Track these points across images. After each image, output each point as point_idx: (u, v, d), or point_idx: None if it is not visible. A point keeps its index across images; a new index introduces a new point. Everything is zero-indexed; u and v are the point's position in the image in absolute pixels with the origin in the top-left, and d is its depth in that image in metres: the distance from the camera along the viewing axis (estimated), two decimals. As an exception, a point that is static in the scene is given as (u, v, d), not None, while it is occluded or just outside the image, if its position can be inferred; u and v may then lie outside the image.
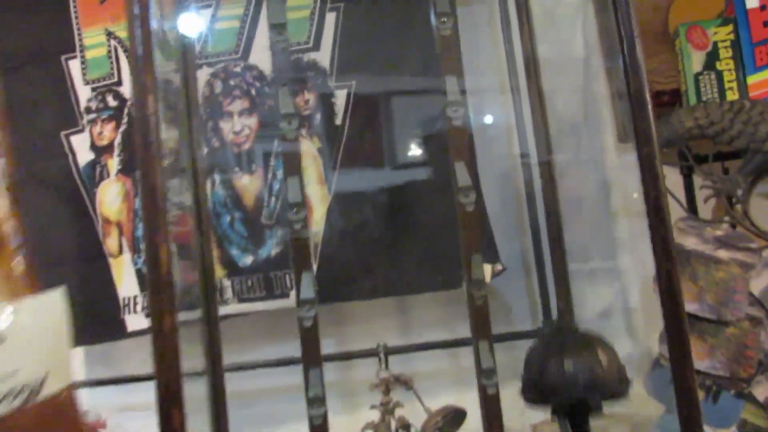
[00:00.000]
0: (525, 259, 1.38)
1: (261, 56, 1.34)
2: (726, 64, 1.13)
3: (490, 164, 1.35)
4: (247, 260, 1.32)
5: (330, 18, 1.33)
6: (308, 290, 0.85)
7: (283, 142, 0.89)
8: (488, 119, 1.44)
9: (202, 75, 1.34)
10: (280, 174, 1.32)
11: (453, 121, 0.82)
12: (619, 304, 1.40)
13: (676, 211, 1.24)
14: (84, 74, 1.37)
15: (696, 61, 1.15)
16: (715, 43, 1.14)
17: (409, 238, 1.31)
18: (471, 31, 1.41)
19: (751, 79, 1.12)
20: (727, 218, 1.15)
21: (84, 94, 1.36)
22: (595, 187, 1.41)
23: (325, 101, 1.32)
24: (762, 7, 1.11)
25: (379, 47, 1.32)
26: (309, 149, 1.32)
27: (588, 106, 1.41)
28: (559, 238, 1.26)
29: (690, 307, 1.07)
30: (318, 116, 1.32)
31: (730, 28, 1.14)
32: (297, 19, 1.33)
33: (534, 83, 1.30)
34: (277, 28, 0.89)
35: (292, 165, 0.89)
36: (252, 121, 1.33)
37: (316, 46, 1.33)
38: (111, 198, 1.35)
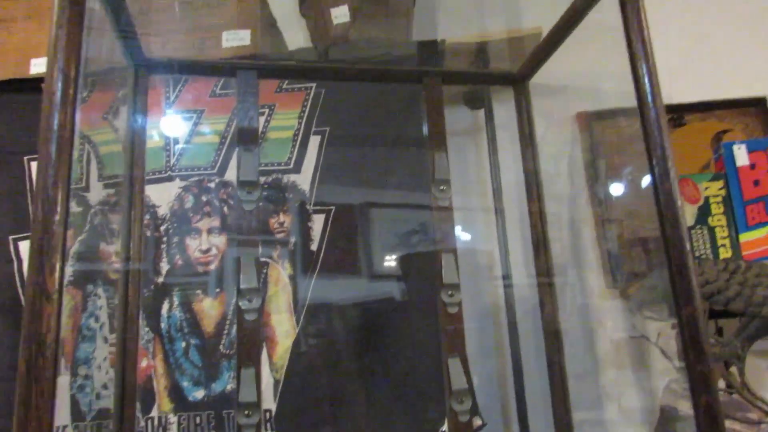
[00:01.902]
0: (505, 411, 1.27)
1: (238, 174, 1.28)
2: (718, 219, 1.10)
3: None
4: (198, 394, 1.18)
5: (314, 141, 1.29)
6: (251, 391, 0.77)
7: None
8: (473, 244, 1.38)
9: (173, 187, 1.27)
10: (245, 298, 1.22)
11: (448, 308, 0.78)
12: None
13: (666, 368, 1.17)
14: (46, 178, 1.28)
15: (688, 214, 1.12)
16: (707, 198, 1.12)
17: (381, 382, 1.20)
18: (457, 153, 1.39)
19: (744, 237, 1.09)
20: (722, 383, 1.07)
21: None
22: (581, 331, 1.34)
23: (302, 225, 1.25)
24: (752, 166, 1.10)
25: (362, 175, 1.28)
26: (280, 276, 1.23)
27: (575, 248, 1.36)
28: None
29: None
30: (292, 240, 1.25)
31: (722, 183, 1.13)
32: (280, 139, 1.29)
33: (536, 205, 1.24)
34: (246, 185, 0.82)
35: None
36: (221, 241, 1.25)
37: (297, 169, 1.27)
38: (55, 313, 1.22)
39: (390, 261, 1.27)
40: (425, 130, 1.00)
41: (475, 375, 1.19)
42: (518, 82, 1.14)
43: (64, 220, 0.50)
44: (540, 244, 1.07)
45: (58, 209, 0.49)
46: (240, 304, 0.83)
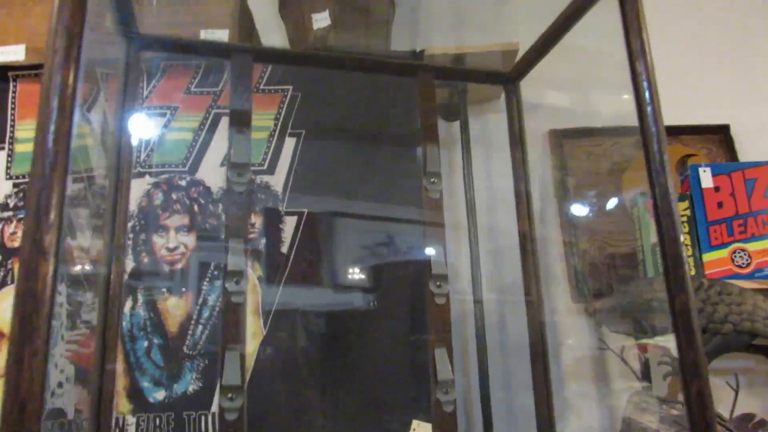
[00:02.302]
0: (469, 419, 1.27)
1: (210, 173, 1.26)
2: (683, 239, 1.13)
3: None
4: (159, 395, 1.15)
5: (289, 143, 1.28)
6: (234, 374, 0.78)
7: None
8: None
9: (142, 184, 1.24)
10: (212, 300, 1.20)
11: (436, 298, 0.80)
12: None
13: (629, 381, 1.19)
14: (8, 168, 1.24)
15: (654, 232, 1.15)
16: (673, 217, 1.15)
17: (347, 390, 1.19)
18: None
19: (707, 257, 1.12)
20: (681, 398, 1.10)
21: (3, 188, 1.23)
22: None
23: (273, 227, 1.23)
24: (716, 188, 1.13)
25: (337, 179, 1.27)
26: (249, 277, 1.21)
27: (544, 263, 1.38)
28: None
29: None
30: (263, 242, 1.23)
31: (687, 204, 1.16)
32: (255, 140, 1.27)
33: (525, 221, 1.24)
34: (238, 168, 0.84)
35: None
36: (189, 240, 1.22)
37: (271, 170, 1.26)
38: (10, 307, 1.17)
39: (360, 268, 1.27)
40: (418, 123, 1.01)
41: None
42: (510, 81, 1.16)
43: (63, 175, 0.49)
44: (528, 253, 1.08)
45: (58, 164, 0.49)
46: (226, 285, 0.83)
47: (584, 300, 1.27)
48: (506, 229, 1.33)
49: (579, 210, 1.37)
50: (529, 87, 1.40)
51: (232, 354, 0.78)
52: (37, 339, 0.47)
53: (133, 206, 1.23)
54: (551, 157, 1.45)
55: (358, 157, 1.29)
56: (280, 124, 1.29)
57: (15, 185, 1.23)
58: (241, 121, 0.91)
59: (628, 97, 0.77)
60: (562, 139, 1.41)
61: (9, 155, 1.25)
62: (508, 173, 1.37)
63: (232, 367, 0.76)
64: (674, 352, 1.12)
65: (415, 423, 1.17)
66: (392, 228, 1.28)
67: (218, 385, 0.79)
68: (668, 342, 1.16)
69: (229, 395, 0.77)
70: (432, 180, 0.91)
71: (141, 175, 1.25)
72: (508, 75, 1.16)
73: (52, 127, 0.47)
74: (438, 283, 0.92)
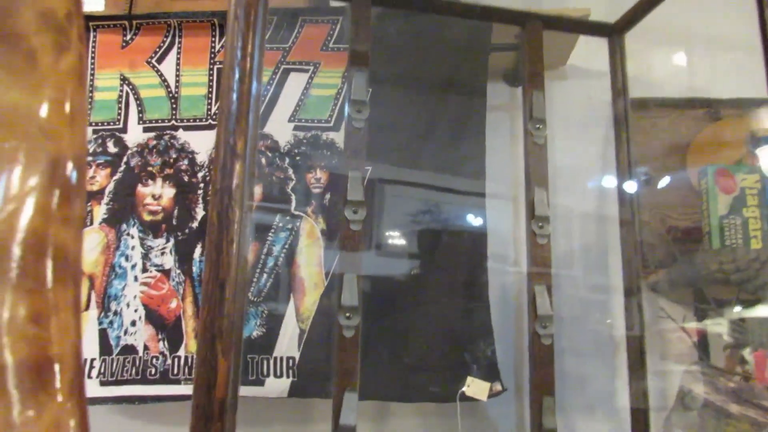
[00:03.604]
0: (518, 380, 1.30)
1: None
2: (752, 211, 1.12)
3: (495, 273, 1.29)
4: (225, 338, 1.20)
5: (356, 101, 1.29)
6: (352, 296, 0.88)
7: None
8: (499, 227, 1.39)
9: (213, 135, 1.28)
10: (276, 250, 1.24)
11: (538, 238, 0.83)
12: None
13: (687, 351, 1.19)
14: (88, 115, 1.30)
15: (722, 203, 1.14)
16: (743, 189, 1.14)
17: (404, 342, 1.22)
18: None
19: (776, 231, 1.11)
20: (739, 370, 1.10)
21: (84, 134, 1.28)
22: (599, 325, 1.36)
23: (337, 183, 1.26)
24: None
25: (402, 137, 1.29)
26: (312, 230, 1.24)
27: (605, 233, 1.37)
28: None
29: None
30: (327, 197, 1.26)
31: (757, 177, 1.14)
32: (322, 97, 1.30)
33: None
34: (357, 104, 0.98)
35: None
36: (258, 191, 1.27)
37: (337, 126, 1.29)
38: (89, 247, 1.24)
39: (425, 224, 1.28)
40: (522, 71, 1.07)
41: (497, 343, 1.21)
42: (615, 32, 1.15)
43: (249, 90, 0.63)
44: (628, 225, 1.09)
45: (252, 80, 0.63)
46: (345, 214, 0.98)
47: (646, 272, 1.27)
48: (560, 203, 1.33)
49: (642, 180, 1.36)
50: (592, 54, 1.38)
51: (349, 278, 0.86)
52: (232, 229, 0.60)
53: (203, 157, 1.28)
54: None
55: (427, 115, 1.30)
56: (347, 82, 1.31)
57: (94, 131, 1.29)
58: (361, 61, 1.03)
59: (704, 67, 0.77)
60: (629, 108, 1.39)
61: (89, 103, 1.30)
62: (567, 144, 1.37)
63: (349, 289, 0.82)
64: (738, 324, 1.12)
65: (469, 379, 1.20)
66: (460, 196, 1.29)
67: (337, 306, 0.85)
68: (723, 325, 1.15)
69: (347, 314, 0.85)
70: (537, 126, 0.94)
71: (212, 127, 1.29)
72: (613, 26, 1.15)
73: (240, 43, 0.62)
74: (540, 224, 0.94)
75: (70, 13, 0.39)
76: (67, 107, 0.38)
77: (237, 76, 0.69)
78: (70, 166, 0.37)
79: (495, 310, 1.25)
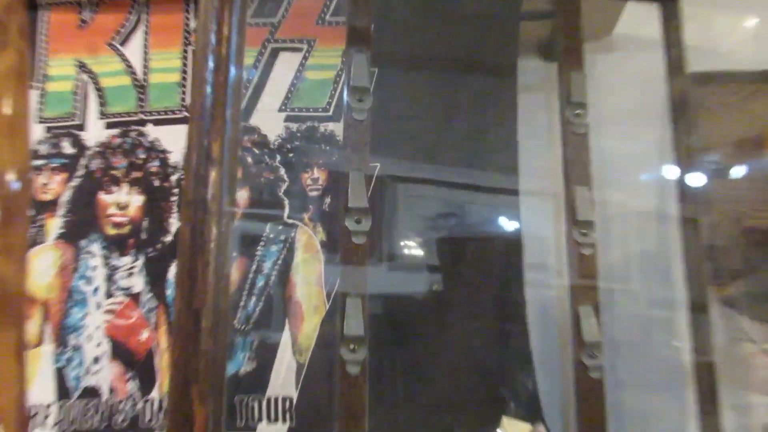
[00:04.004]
0: (567, 418, 1.08)
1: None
2: None
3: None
4: (207, 376, 0.99)
5: (360, 83, 1.08)
6: (357, 323, 0.75)
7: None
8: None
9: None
10: (267, 266, 1.03)
11: (581, 248, 0.65)
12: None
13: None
14: (40, 110, 1.09)
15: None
16: None
17: (423, 376, 1.02)
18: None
19: None
20: None
21: (35, 133, 1.08)
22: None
23: (339, 184, 1.05)
24: None
25: (417, 126, 1.08)
26: (310, 241, 1.03)
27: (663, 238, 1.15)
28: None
29: None
30: (327, 201, 1.05)
31: None
32: (319, 81, 1.08)
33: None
34: (358, 92, 0.86)
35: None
36: (242, 197, 1.05)
37: (337, 116, 1.07)
38: (41, 269, 1.04)
39: (441, 231, 1.08)
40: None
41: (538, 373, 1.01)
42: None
43: (225, 80, 0.60)
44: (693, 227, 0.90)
45: (230, 68, 0.59)
46: (347, 224, 0.85)
47: (717, 283, 1.05)
48: (608, 202, 1.13)
49: (707, 175, 1.14)
50: (643, 21, 1.17)
51: (354, 302, 0.75)
52: (207, 249, 0.52)
53: (177, 157, 1.07)
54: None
55: (445, 98, 1.09)
56: (346, 66, 1.10)
57: (48, 129, 1.08)
58: (360, 39, 0.90)
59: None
60: (690, 84, 1.17)
61: (41, 95, 1.09)
62: (615, 129, 1.16)
63: (354, 315, 0.73)
64: None
65: (505, 420, 0.99)
66: (480, 198, 1.10)
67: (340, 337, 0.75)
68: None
69: (351, 346, 0.75)
70: (577, 112, 0.75)
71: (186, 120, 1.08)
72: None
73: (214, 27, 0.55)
74: (583, 231, 0.81)
75: (9, 4, 0.27)
76: (6, 111, 0.25)
77: (211, 65, 0.61)
78: (10, 177, 0.25)
79: (535, 333, 1.05)
